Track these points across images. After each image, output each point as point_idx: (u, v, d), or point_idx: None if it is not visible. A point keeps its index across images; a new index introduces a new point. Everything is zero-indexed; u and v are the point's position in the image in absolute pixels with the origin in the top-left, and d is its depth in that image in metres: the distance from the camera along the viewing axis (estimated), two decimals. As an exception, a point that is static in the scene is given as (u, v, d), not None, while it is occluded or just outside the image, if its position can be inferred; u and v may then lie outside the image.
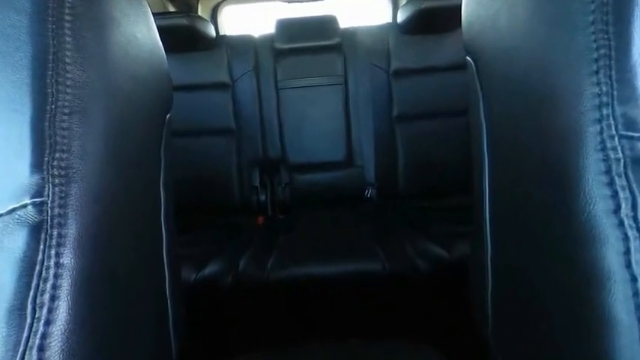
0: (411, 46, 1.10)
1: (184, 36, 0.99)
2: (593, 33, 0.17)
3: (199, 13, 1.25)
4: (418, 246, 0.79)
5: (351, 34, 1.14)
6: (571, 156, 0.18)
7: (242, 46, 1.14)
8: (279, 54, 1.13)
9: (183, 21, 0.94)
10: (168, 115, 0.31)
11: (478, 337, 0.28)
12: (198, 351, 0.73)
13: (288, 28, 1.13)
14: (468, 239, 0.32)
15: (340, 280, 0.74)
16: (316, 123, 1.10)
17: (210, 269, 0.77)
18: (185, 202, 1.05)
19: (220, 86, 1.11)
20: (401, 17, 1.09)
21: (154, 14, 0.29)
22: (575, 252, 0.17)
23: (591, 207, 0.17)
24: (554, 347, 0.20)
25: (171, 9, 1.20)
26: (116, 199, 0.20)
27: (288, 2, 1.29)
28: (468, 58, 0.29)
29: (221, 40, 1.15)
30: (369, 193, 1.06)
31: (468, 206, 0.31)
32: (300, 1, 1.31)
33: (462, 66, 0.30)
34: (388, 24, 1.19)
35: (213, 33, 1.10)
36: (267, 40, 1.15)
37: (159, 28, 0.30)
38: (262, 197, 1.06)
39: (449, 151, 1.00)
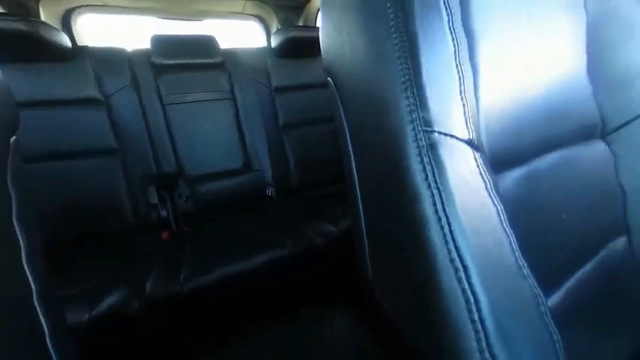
0: (286, 67, 1.18)
1: (26, 44, 0.73)
2: (400, 65, 0.23)
3: (43, 19, 0.94)
4: (314, 227, 0.86)
5: (233, 54, 1.12)
6: (401, 145, 0.24)
7: (112, 59, 0.94)
8: (159, 69, 0.99)
9: (20, 26, 0.69)
10: (13, 138, 0.23)
11: (364, 282, 0.33)
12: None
13: (166, 45, 1.01)
14: (349, 214, 0.38)
15: (255, 273, 0.73)
16: (211, 135, 1.03)
17: (108, 301, 0.61)
18: (68, 234, 0.79)
19: (90, 102, 0.88)
20: (274, 43, 1.16)
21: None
22: (410, 207, 0.23)
23: (413, 177, 0.22)
24: (411, 277, 0.26)
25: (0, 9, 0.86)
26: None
27: (160, 18, 1.14)
28: (328, 78, 0.34)
29: (81, 52, 0.91)
30: (269, 192, 1.07)
31: (346, 190, 0.36)
32: (174, 19, 1.17)
33: (326, 84, 0.35)
34: (264, 48, 1.24)
35: (66, 42, 0.85)
36: (143, 55, 0.99)
37: None
38: (163, 213, 0.91)
39: (326, 150, 1.14)
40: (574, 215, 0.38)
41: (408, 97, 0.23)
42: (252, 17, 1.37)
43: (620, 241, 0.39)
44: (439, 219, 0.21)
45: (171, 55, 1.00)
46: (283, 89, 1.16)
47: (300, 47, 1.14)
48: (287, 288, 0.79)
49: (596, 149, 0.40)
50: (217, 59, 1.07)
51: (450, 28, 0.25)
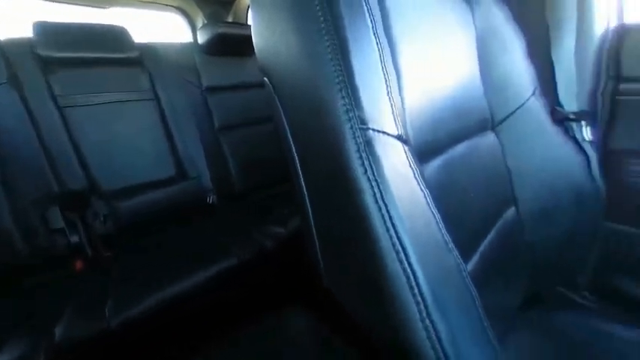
0: (217, 65, 1.10)
1: None
2: (333, 66, 0.24)
3: None
4: (262, 230, 0.83)
5: (152, 50, 0.97)
6: (341, 142, 0.25)
7: None
8: (48, 64, 0.79)
9: None
10: None
11: (318, 278, 0.34)
12: None
13: (57, 34, 0.81)
14: (298, 213, 0.38)
15: (202, 289, 0.66)
16: (131, 141, 0.87)
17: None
18: None
19: None
20: (201, 39, 1.06)
21: None
22: (353, 201, 0.24)
23: (354, 172, 0.24)
24: (359, 265, 0.27)
25: None
26: None
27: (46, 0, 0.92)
28: (265, 78, 0.33)
29: None
30: (210, 199, 0.98)
31: (292, 189, 0.36)
32: (65, 2, 0.97)
33: (263, 84, 0.34)
34: (190, 43, 1.13)
35: None
36: (23, 46, 0.77)
37: None
38: (74, 239, 0.74)
39: (269, 150, 1.10)
40: (478, 193, 0.46)
41: (343, 97, 0.24)
42: (172, 9, 1.23)
43: (511, 211, 0.49)
44: (379, 208, 0.23)
45: (64, 47, 0.81)
46: (217, 89, 1.07)
47: (232, 45, 1.07)
48: (241, 296, 0.75)
49: (489, 139, 0.49)
50: (132, 54, 0.92)
51: (374, 33, 0.27)
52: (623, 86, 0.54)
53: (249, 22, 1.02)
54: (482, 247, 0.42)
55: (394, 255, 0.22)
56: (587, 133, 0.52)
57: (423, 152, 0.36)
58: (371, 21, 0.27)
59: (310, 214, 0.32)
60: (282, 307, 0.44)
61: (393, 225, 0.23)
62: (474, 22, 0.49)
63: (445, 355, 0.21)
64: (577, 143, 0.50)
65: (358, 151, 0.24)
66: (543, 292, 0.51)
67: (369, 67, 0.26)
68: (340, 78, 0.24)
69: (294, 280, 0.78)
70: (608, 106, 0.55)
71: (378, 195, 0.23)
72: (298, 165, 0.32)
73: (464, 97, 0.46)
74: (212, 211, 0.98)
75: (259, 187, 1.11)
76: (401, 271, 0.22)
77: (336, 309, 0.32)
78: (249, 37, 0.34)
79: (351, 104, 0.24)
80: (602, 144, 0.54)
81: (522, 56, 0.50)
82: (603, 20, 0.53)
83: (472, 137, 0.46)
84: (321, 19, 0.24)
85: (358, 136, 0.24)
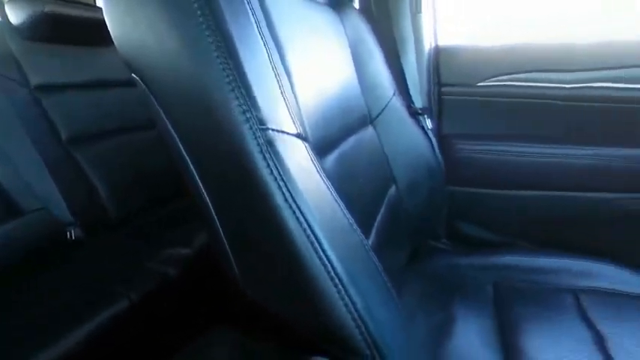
0: (53, 57, 0.80)
1: None
2: (221, 65, 0.22)
3: None
4: (159, 257, 0.69)
5: None
6: (241, 145, 0.24)
7: None
8: None
9: None
10: None
11: (236, 290, 0.32)
12: None
13: None
14: (204, 227, 0.34)
15: (85, 351, 0.49)
16: None
17: None
18: None
19: None
20: (17, 19, 0.75)
21: None
22: (263, 203, 0.24)
23: (261, 174, 0.23)
24: (277, 262, 0.27)
25: None
26: None
27: None
28: (133, 75, 0.27)
29: None
30: (72, 234, 0.72)
31: (194, 202, 0.32)
32: None
33: (131, 82, 0.28)
34: None
35: None
36: None
37: None
38: None
39: (153, 161, 0.89)
40: (367, 179, 0.54)
41: (237, 98, 0.23)
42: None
43: (393, 188, 0.60)
44: (290, 206, 0.23)
45: None
46: (54, 88, 0.79)
47: (72, 30, 0.81)
48: (151, 336, 0.60)
49: (370, 132, 0.58)
50: None
51: (260, 32, 0.27)
52: (443, 89, 0.75)
53: (99, 3, 0.80)
54: (376, 223, 0.50)
55: (309, 245, 0.24)
56: (428, 123, 0.70)
57: (320, 147, 0.39)
58: (255, 20, 0.27)
59: (218, 223, 0.29)
60: (203, 330, 0.39)
61: (305, 219, 0.24)
62: (345, 32, 0.57)
63: (363, 321, 0.24)
64: (425, 131, 0.66)
65: (261, 152, 0.23)
66: (419, 247, 0.66)
67: (260, 65, 0.26)
68: (231, 77, 0.23)
69: (211, 299, 0.70)
70: (437, 103, 0.75)
71: (287, 194, 0.24)
72: (195, 173, 0.28)
73: (347, 96, 0.53)
74: (79, 247, 0.74)
75: (147, 207, 0.90)
76: (317, 259, 0.24)
77: (260, 314, 0.31)
78: (103, 23, 0.27)
79: (247, 104, 0.23)
80: (437, 131, 0.74)
81: (383, 64, 0.62)
82: (428, 41, 0.72)
83: (358, 131, 0.54)
84: (199, 12, 0.22)
85: (259, 137, 0.24)
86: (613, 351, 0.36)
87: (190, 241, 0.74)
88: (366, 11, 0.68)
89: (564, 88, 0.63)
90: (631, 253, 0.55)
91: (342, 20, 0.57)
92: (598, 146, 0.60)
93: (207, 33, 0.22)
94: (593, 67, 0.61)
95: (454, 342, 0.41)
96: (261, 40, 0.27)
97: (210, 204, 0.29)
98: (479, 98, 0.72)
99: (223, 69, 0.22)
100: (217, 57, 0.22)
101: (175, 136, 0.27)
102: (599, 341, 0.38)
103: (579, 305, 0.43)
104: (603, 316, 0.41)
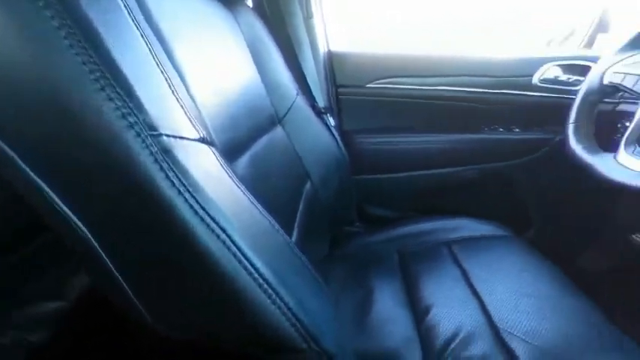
0: None
1: None
2: (79, 57, 0.17)
3: None
4: (16, 321, 0.50)
5: None
6: (126, 155, 0.19)
7: None
8: None
9: None
10: None
11: (142, 329, 0.26)
12: None
13: None
14: (81, 270, 0.26)
15: None
16: None
17: None
18: None
19: None
20: None
21: None
22: (168, 220, 0.20)
23: (159, 187, 0.20)
24: (196, 283, 0.24)
25: None
26: None
27: None
28: None
29: None
30: None
31: (59, 240, 0.24)
32: None
33: None
34: None
35: None
36: None
37: None
38: None
39: None
40: (282, 178, 0.54)
41: (111, 99, 0.19)
42: None
43: (308, 184, 0.62)
44: (202, 219, 0.21)
45: None
46: None
47: None
48: None
49: (279, 132, 0.59)
50: None
51: (135, 23, 0.22)
52: (339, 90, 0.83)
53: None
54: (297, 219, 0.51)
55: (232, 257, 0.22)
56: (331, 120, 0.76)
57: (229, 150, 0.37)
58: (125, 5, 0.22)
59: (104, 256, 0.23)
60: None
61: (223, 230, 0.21)
62: (240, 29, 0.54)
63: (298, 319, 0.24)
64: (329, 128, 0.71)
65: (157, 161, 0.20)
66: (337, 234, 0.72)
67: (140, 62, 0.21)
68: (98, 74, 0.18)
69: (108, 349, 0.55)
70: (335, 103, 0.82)
71: (196, 206, 0.21)
72: (59, 202, 0.21)
73: (253, 96, 0.51)
74: None
75: None
76: (243, 270, 0.22)
77: (179, 350, 0.27)
78: None
79: (127, 107, 0.19)
80: (339, 127, 0.82)
81: (283, 63, 0.63)
82: (322, 45, 0.77)
83: (268, 132, 0.53)
84: None
85: (151, 145, 0.20)
86: (473, 280, 0.50)
87: (63, 293, 0.56)
88: (259, 10, 0.67)
89: (426, 89, 0.81)
90: (479, 207, 0.76)
91: (235, 17, 0.54)
92: (447, 133, 0.81)
93: (48, 14, 0.17)
94: (443, 74, 0.80)
95: (374, 309, 0.47)
96: (138, 33, 0.22)
97: (88, 234, 0.22)
98: (369, 98, 0.83)
99: (82, 62, 0.17)
100: (71, 46, 0.17)
101: (15, 155, 0.20)
102: (465, 275, 0.51)
103: (452, 252, 0.58)
104: (465, 255, 0.56)
